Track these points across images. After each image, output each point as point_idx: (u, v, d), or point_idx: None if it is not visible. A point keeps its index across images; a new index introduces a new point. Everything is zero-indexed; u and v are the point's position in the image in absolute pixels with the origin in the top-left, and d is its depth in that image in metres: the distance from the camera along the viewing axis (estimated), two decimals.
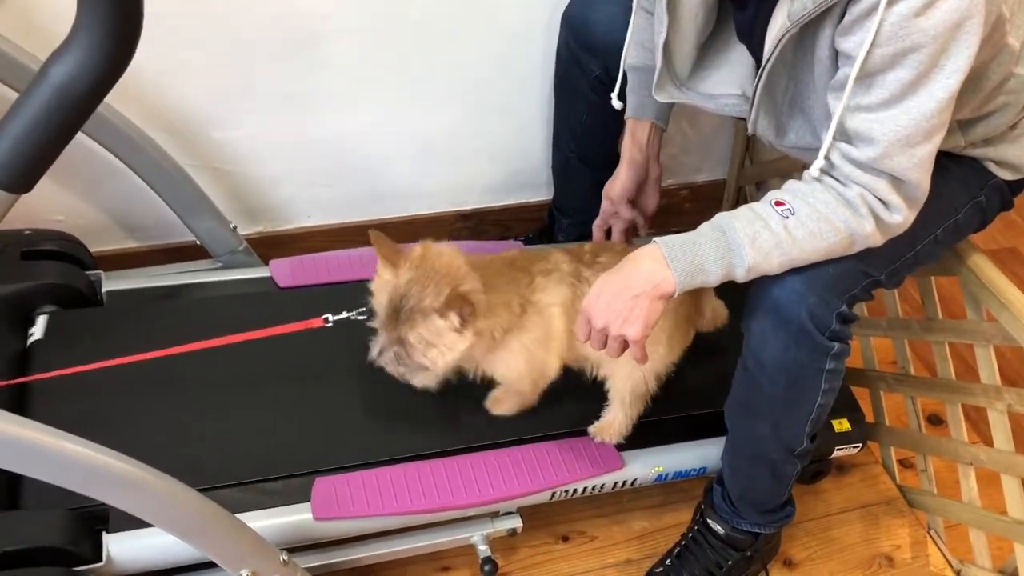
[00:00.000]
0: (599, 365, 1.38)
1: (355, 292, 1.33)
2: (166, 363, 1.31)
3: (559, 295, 1.32)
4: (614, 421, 1.42)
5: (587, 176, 1.71)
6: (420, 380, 1.30)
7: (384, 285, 1.24)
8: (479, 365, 1.35)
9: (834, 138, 1.06)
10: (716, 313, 1.49)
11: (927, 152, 1.03)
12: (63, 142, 0.77)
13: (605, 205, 1.49)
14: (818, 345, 1.16)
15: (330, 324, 1.34)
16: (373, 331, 1.28)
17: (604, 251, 1.37)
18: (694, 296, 1.39)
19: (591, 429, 1.44)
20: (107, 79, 0.74)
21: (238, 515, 1.15)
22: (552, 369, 1.36)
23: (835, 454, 1.57)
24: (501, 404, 1.43)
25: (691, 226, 1.14)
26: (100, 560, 1.18)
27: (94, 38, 0.71)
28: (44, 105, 0.74)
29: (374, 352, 1.27)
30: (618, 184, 1.47)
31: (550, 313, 1.31)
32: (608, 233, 1.52)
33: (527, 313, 1.30)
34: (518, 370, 1.34)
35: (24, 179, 0.77)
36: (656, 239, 1.12)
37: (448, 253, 1.26)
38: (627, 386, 1.38)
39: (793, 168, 1.75)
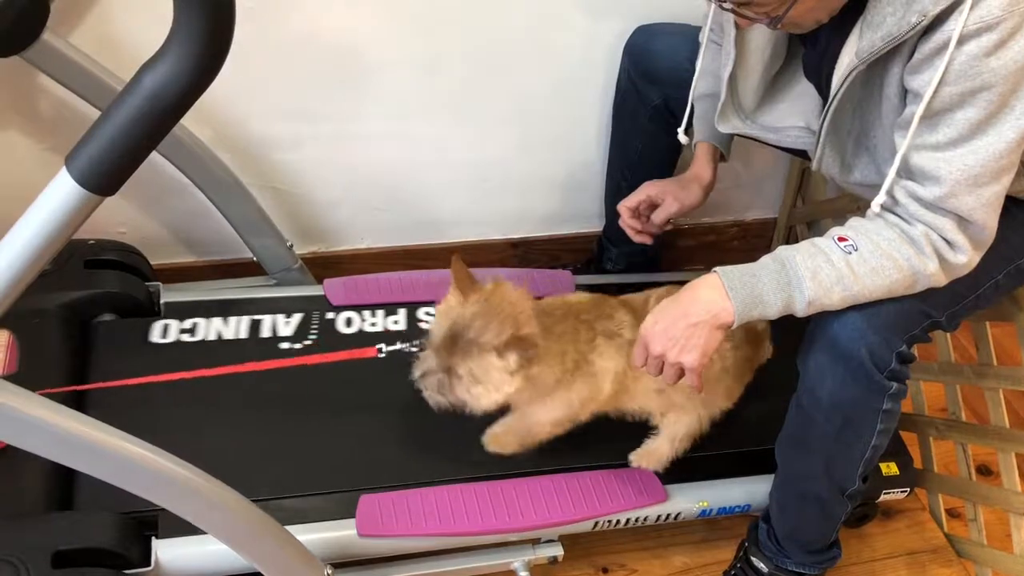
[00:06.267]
0: (656, 414, 1.39)
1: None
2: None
3: (616, 363, 1.30)
4: (657, 450, 1.43)
5: None
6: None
7: (449, 310, 1.22)
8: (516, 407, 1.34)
9: (898, 175, 1.06)
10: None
11: (995, 193, 1.03)
12: (150, 148, 0.79)
13: (637, 191, 1.46)
14: (876, 384, 1.15)
15: (383, 356, 1.36)
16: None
17: None
18: (753, 341, 1.38)
19: (632, 456, 1.44)
20: (197, 88, 0.76)
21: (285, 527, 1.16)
22: (572, 424, 1.36)
23: (882, 498, 1.54)
24: (503, 442, 1.40)
25: (738, 263, 1.13)
26: (148, 564, 1.20)
27: (188, 48, 0.74)
28: (135, 111, 0.76)
29: (417, 372, 1.25)
30: (656, 184, 1.45)
31: (602, 378, 1.30)
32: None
33: (580, 370, 1.28)
34: (551, 419, 1.34)
35: (111, 183, 0.79)
36: (717, 268, 1.13)
37: (517, 295, 1.24)
38: (681, 424, 1.39)
39: (845, 209, 1.74)
